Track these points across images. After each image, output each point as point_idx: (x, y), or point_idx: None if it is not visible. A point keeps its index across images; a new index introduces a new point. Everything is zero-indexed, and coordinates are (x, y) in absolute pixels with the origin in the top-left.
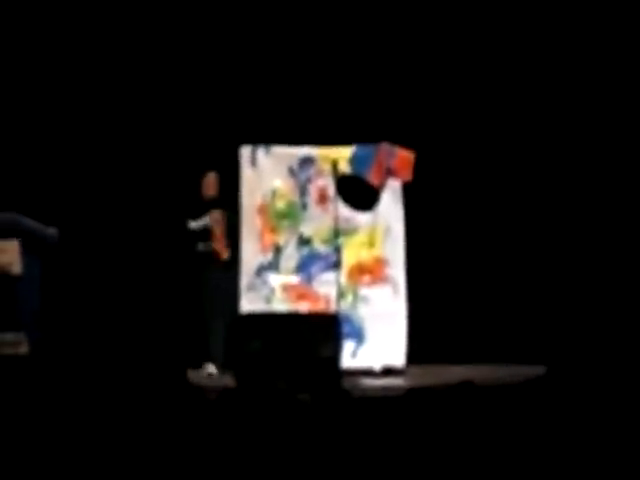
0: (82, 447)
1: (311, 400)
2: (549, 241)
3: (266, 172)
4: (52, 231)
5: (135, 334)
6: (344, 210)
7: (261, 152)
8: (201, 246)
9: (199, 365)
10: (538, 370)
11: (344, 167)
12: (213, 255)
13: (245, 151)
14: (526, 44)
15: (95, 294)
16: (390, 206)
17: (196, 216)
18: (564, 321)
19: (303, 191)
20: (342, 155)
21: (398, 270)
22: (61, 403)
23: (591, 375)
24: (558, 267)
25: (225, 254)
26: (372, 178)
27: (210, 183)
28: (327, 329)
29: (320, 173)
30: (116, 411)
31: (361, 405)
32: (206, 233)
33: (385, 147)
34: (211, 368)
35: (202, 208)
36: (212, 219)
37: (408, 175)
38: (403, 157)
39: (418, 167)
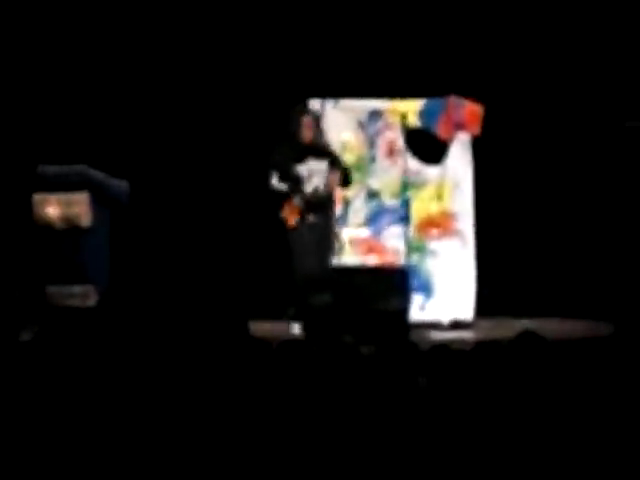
0: (148, 395)
1: (376, 353)
2: (623, 195)
3: (335, 125)
4: (122, 184)
5: (203, 287)
6: (413, 163)
7: (329, 105)
8: (308, 192)
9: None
10: (607, 327)
11: (413, 120)
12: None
13: (314, 104)
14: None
15: (165, 247)
16: (459, 160)
17: (297, 160)
18: (636, 279)
19: (372, 144)
20: (411, 108)
21: (467, 224)
22: (127, 354)
23: None
24: (633, 222)
25: (292, 221)
26: (441, 131)
27: (307, 125)
28: (395, 282)
29: (389, 126)
30: (180, 362)
31: (429, 358)
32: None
33: (454, 100)
34: (295, 328)
35: (302, 152)
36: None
37: (477, 128)
38: (472, 110)
39: (487, 121)
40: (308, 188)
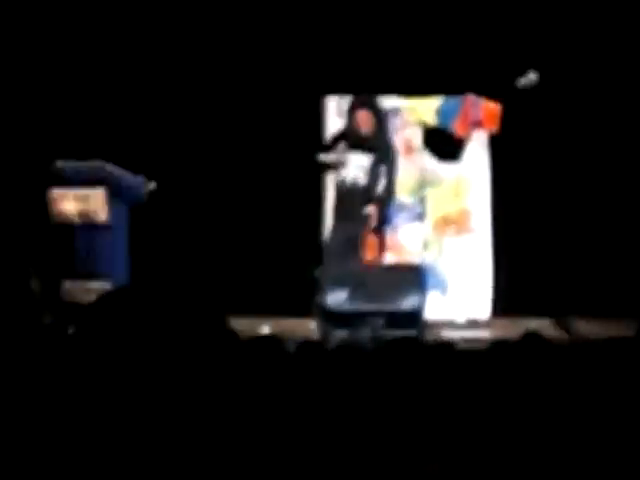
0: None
1: (389, 352)
2: None
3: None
4: (139, 179)
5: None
6: (430, 161)
7: (346, 103)
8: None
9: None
10: (631, 326)
11: (430, 118)
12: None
13: (331, 102)
14: None
15: (184, 243)
16: (476, 158)
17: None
18: None
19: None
20: (428, 107)
21: (484, 222)
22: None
23: None
24: None
25: None
26: (458, 130)
27: (361, 119)
28: (412, 280)
29: (406, 124)
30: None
31: (442, 357)
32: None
33: (471, 99)
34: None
35: (352, 143)
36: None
37: (495, 126)
38: (490, 108)
39: (505, 118)
40: (343, 174)
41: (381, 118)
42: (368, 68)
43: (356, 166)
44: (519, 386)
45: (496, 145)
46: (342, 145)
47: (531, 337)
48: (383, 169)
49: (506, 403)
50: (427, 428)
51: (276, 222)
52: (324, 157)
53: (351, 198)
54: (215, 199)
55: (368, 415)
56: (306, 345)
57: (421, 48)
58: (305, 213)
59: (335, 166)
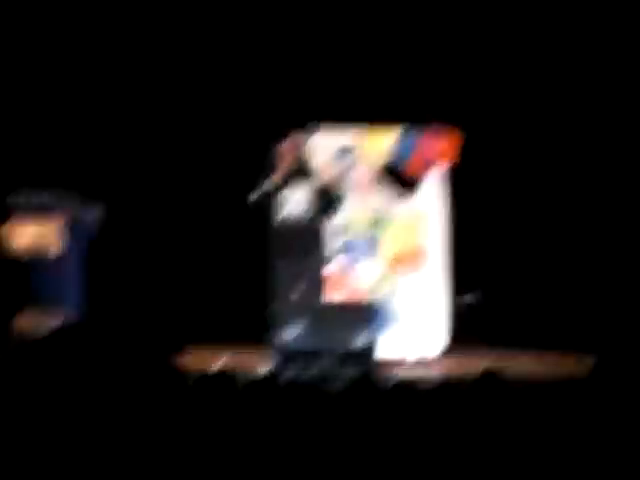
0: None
1: (342, 391)
2: (600, 222)
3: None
4: (98, 208)
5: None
6: (384, 199)
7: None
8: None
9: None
10: (587, 360)
11: (385, 157)
12: None
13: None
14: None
15: (144, 270)
16: (431, 194)
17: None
18: (618, 306)
19: (342, 179)
20: (383, 145)
21: (438, 258)
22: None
23: None
24: (607, 248)
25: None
26: (412, 168)
27: (288, 150)
28: (364, 319)
29: (360, 162)
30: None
31: (393, 396)
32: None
33: (430, 132)
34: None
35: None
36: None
37: (451, 160)
38: (445, 144)
39: (466, 149)
40: (283, 212)
41: (302, 149)
42: (330, 96)
43: (295, 202)
44: (476, 424)
45: (455, 178)
46: (271, 181)
47: (488, 376)
48: (325, 202)
49: (466, 442)
50: (387, 468)
51: (227, 256)
52: (252, 197)
53: (293, 234)
54: (169, 232)
55: (323, 454)
56: (258, 382)
57: (382, 77)
58: (252, 249)
59: (268, 200)
